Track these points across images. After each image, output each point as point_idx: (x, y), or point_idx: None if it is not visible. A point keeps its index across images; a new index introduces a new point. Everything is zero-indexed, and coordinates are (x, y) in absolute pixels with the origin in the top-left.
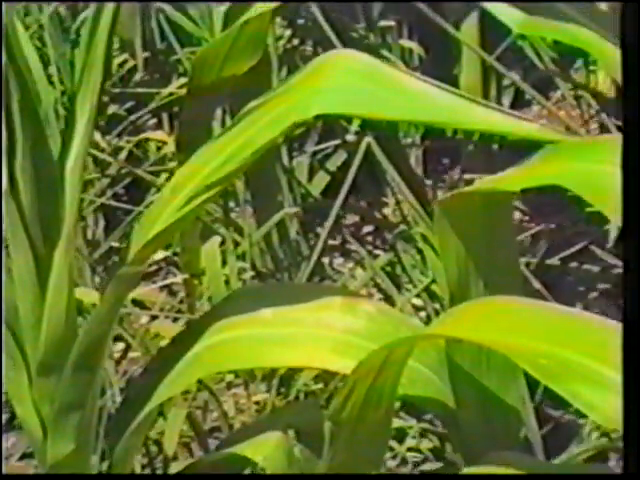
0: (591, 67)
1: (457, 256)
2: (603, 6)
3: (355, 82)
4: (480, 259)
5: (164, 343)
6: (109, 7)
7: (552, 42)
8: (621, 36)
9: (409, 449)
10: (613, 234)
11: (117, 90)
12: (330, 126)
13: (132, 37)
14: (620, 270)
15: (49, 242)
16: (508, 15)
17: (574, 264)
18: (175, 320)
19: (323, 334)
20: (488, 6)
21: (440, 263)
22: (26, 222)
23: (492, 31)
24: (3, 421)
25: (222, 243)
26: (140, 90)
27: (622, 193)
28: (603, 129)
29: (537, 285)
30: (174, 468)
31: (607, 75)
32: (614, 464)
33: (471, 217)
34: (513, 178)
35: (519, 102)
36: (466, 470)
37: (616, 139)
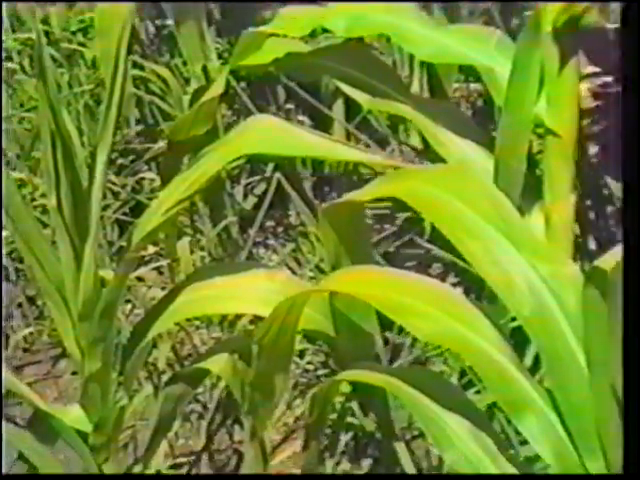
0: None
1: (334, 245)
2: None
3: (266, 134)
4: (348, 246)
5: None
6: (117, 90)
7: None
8: (621, 36)
9: (307, 363)
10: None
11: (122, 147)
12: (254, 168)
13: (131, 113)
14: (433, 253)
15: (82, 240)
16: (358, 95)
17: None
18: (163, 289)
19: (253, 293)
20: (342, 86)
21: (324, 250)
22: (67, 227)
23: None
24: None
25: (190, 240)
26: (139, 146)
27: (622, 196)
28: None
29: (382, 262)
30: (164, 378)
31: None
32: (434, 367)
33: (342, 219)
34: (365, 193)
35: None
36: (344, 374)
37: (435, 168)
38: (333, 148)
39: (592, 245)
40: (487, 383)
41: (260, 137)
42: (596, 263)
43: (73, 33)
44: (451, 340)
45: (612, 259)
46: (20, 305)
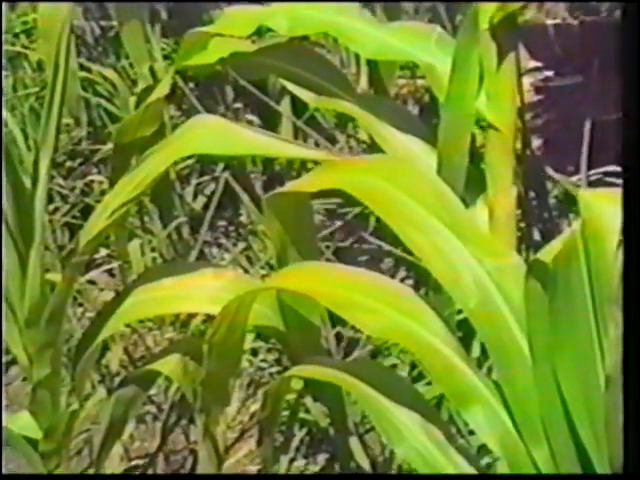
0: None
1: (279, 235)
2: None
3: (210, 133)
4: (293, 236)
5: None
6: (58, 92)
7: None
8: (621, 36)
9: (261, 360)
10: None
11: (71, 147)
12: (204, 168)
13: (79, 116)
14: (383, 249)
15: (26, 244)
16: (304, 94)
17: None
18: (115, 292)
19: (202, 292)
20: (288, 85)
21: (270, 240)
22: (11, 232)
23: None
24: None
25: (141, 242)
26: (87, 148)
27: (622, 199)
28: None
29: (331, 257)
30: (116, 381)
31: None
32: (388, 360)
33: (286, 208)
34: (307, 183)
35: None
36: (294, 369)
37: (370, 159)
38: (279, 146)
39: (536, 236)
40: (434, 375)
41: (204, 137)
42: (537, 255)
43: (16, 35)
44: (398, 335)
45: (552, 251)
46: None
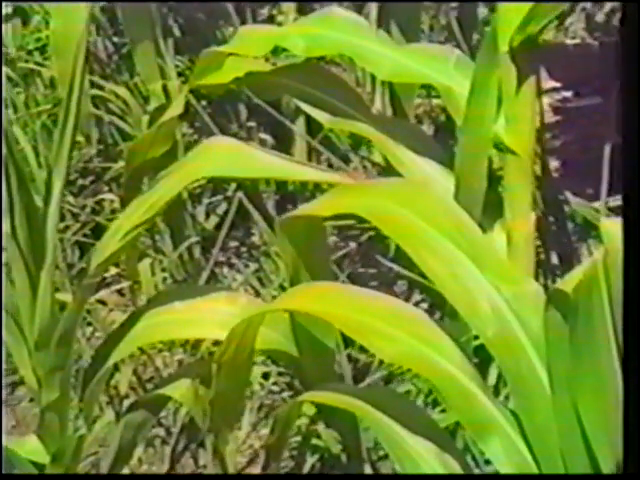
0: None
1: (292, 258)
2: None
3: (225, 155)
4: (306, 259)
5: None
6: (72, 112)
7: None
8: (621, 36)
9: (273, 384)
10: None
11: (82, 165)
12: (216, 188)
13: (90, 133)
14: (394, 270)
15: (37, 266)
16: (319, 115)
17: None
18: (124, 311)
19: (214, 317)
20: (303, 105)
21: (283, 263)
22: (22, 252)
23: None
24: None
25: (152, 262)
26: (98, 165)
27: (623, 204)
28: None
29: (345, 280)
30: (125, 404)
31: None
32: (402, 385)
33: (299, 232)
34: (321, 207)
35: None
36: (307, 395)
37: (394, 182)
38: (293, 169)
39: (554, 260)
40: (451, 404)
41: (218, 159)
42: (557, 285)
43: (30, 52)
44: (414, 361)
45: (572, 280)
46: None
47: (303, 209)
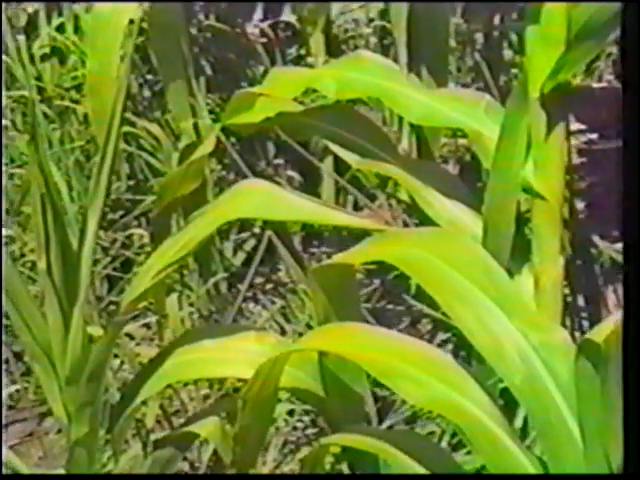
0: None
1: (323, 305)
2: None
3: (257, 198)
4: (337, 306)
5: (144, 361)
6: (109, 154)
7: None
8: (621, 36)
9: (297, 420)
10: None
11: (111, 201)
12: (243, 224)
13: (120, 168)
14: (420, 310)
15: (70, 303)
16: (347, 156)
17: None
18: (150, 345)
19: (242, 356)
20: (332, 146)
21: (313, 309)
22: (56, 288)
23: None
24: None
25: (179, 296)
26: (129, 199)
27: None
28: (406, 225)
29: (371, 320)
30: (152, 438)
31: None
32: (419, 429)
33: (331, 280)
34: (354, 255)
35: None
36: (333, 437)
37: (418, 231)
38: (324, 213)
39: (580, 302)
40: (478, 448)
41: (250, 201)
42: (588, 335)
43: (67, 90)
44: (442, 406)
45: (603, 330)
46: (7, 361)
47: (337, 258)
